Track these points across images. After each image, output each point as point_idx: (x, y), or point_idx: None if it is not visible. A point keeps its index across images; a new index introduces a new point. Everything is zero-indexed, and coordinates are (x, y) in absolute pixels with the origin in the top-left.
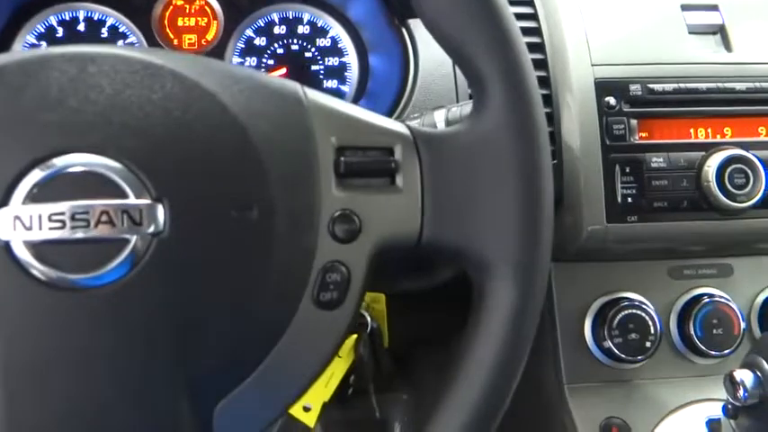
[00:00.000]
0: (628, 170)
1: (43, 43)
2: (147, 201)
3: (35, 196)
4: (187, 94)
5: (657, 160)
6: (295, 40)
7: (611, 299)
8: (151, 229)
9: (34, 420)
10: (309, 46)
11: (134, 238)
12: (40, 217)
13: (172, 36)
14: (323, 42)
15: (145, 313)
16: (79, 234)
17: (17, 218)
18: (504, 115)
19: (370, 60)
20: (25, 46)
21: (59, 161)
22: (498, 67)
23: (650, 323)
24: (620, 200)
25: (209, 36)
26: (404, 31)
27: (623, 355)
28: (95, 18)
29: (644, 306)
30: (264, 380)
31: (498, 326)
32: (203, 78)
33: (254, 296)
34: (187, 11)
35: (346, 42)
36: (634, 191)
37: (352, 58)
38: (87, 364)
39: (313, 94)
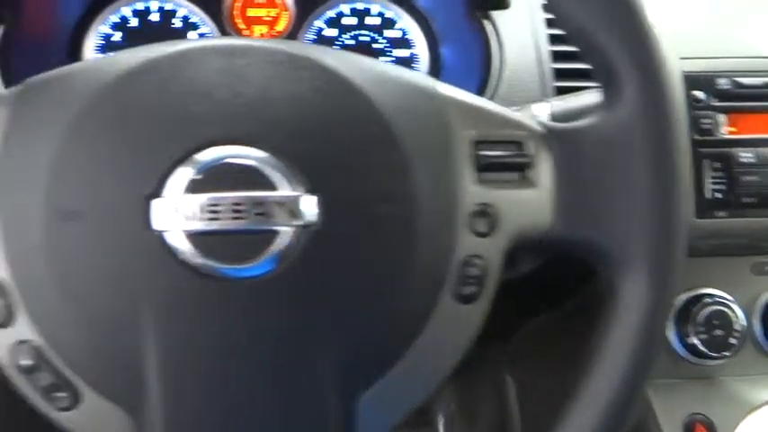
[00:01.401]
0: (716, 165)
1: (118, 33)
2: (299, 193)
3: (189, 187)
4: (333, 87)
5: (747, 155)
6: (364, 32)
7: (694, 295)
8: (303, 222)
9: (188, 402)
10: (379, 37)
11: (286, 230)
12: (195, 207)
13: (243, 26)
14: (392, 34)
15: (293, 304)
16: (235, 225)
17: (172, 208)
18: (640, 108)
19: (442, 52)
20: (99, 35)
21: (211, 153)
22: (634, 58)
23: (735, 319)
24: (708, 195)
25: (280, 27)
26: (486, 23)
27: (708, 352)
28: (168, 8)
29: (728, 302)
30: (405, 371)
31: (634, 323)
32: (349, 72)
33: (398, 289)
34: (257, 1)
35: (415, 34)
36: (723, 186)
37: (421, 49)
38: (236, 352)
39: (445, 88)
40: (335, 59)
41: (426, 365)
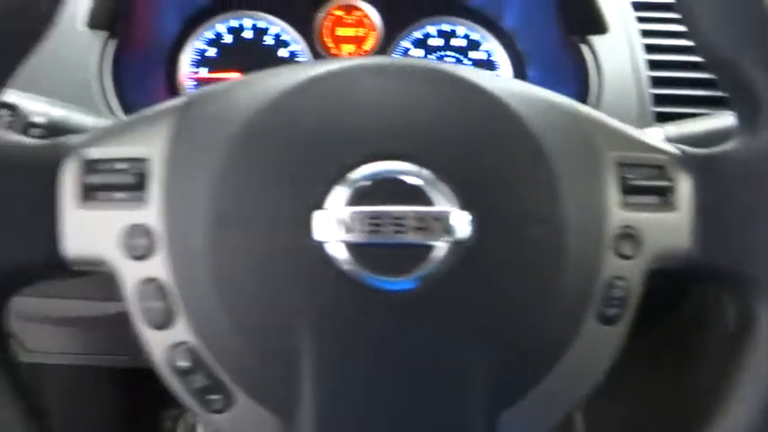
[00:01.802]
0: None
1: (212, 49)
2: (454, 209)
3: (350, 200)
4: (488, 107)
5: None
6: (450, 53)
7: None
8: (457, 238)
9: (340, 411)
10: (464, 59)
11: (442, 246)
12: (357, 220)
13: (331, 45)
14: (477, 55)
15: (445, 318)
16: (396, 238)
17: (335, 220)
18: None
19: (529, 74)
20: (195, 51)
21: (371, 168)
22: None
23: None
24: None
25: (367, 46)
26: (583, 47)
27: None
28: (260, 26)
29: None
30: (546, 392)
31: None
32: (501, 93)
33: (545, 309)
34: (346, 21)
35: (500, 56)
36: None
37: (505, 71)
38: (388, 363)
39: (588, 110)
40: (488, 81)
41: (567, 386)
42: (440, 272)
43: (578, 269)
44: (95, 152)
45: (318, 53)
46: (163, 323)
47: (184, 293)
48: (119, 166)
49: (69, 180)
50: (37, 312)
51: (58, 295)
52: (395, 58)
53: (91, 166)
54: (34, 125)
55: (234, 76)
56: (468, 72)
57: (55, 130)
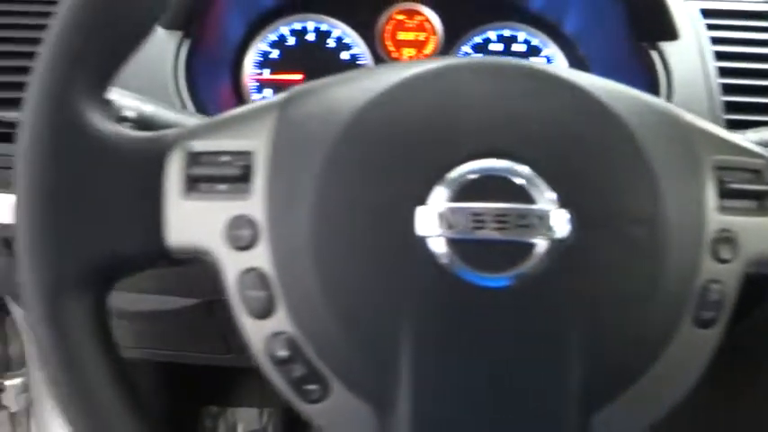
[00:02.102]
0: None
1: (275, 50)
2: (554, 208)
3: (453, 197)
4: (588, 107)
5: None
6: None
7: None
8: (558, 236)
9: (437, 406)
10: None
11: (542, 243)
12: (460, 216)
13: (392, 49)
14: (537, 61)
15: (542, 316)
16: (499, 235)
17: (438, 215)
18: None
19: None
20: (258, 52)
21: (473, 165)
22: None
23: None
24: None
25: (428, 50)
26: (652, 53)
27: None
28: (323, 29)
29: None
30: (641, 394)
31: None
32: (601, 94)
33: (643, 309)
34: (407, 25)
35: (561, 62)
36: None
37: None
38: (487, 360)
39: (683, 112)
40: (587, 81)
41: (660, 390)
42: (539, 270)
43: (676, 271)
44: (200, 145)
45: (379, 57)
46: (263, 312)
47: (286, 284)
48: (223, 158)
49: (174, 172)
50: None
51: None
52: (495, 57)
53: (195, 158)
54: (126, 119)
55: (296, 77)
56: (568, 72)
57: (144, 124)
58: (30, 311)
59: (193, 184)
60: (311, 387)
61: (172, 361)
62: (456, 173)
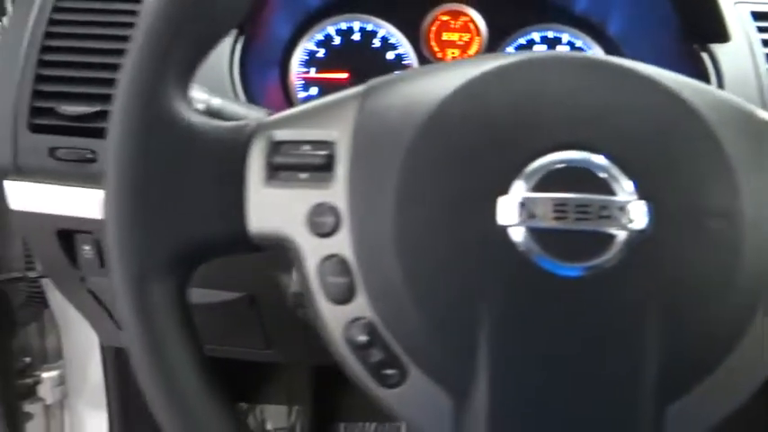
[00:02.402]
0: None
1: (321, 49)
2: (634, 200)
3: (534, 187)
4: (667, 101)
5: None
6: None
7: None
8: (637, 227)
9: (514, 393)
10: None
11: (622, 234)
12: (542, 206)
13: (436, 49)
14: None
15: (619, 307)
16: (580, 225)
17: (520, 205)
18: None
19: None
20: (305, 51)
21: (556, 156)
22: None
23: None
24: None
25: (471, 51)
26: (703, 55)
27: None
28: (369, 29)
29: None
30: (714, 386)
31: None
32: (680, 89)
33: (718, 302)
34: (452, 26)
35: None
36: None
37: None
38: (564, 348)
39: (758, 110)
40: (669, 77)
41: (734, 382)
42: (617, 260)
43: (752, 264)
44: (281, 134)
45: (424, 57)
46: (343, 298)
47: (367, 270)
48: (305, 147)
49: (256, 160)
50: None
51: None
52: (577, 52)
53: (277, 147)
54: (197, 111)
55: (341, 76)
56: (648, 68)
57: (212, 117)
58: (117, 296)
59: (275, 172)
60: (389, 372)
61: (209, 356)
62: (537, 164)
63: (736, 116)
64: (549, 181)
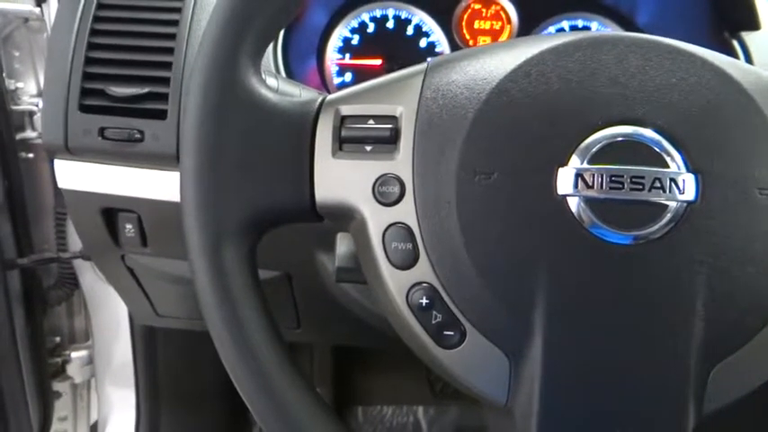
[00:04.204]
0: None
1: (356, 36)
2: (685, 172)
3: (592, 159)
4: (716, 78)
5: None
6: None
7: None
8: (687, 198)
9: (569, 354)
10: None
11: (674, 205)
12: (599, 177)
13: (468, 37)
14: None
15: (669, 273)
16: (636, 196)
17: (578, 176)
18: None
19: None
20: (340, 38)
21: (611, 131)
22: None
23: None
24: None
25: (502, 39)
26: (734, 44)
27: None
28: (403, 17)
29: None
30: (754, 351)
31: None
32: (727, 67)
33: (762, 270)
34: (484, 14)
35: None
36: None
37: None
38: (618, 311)
39: None
40: (716, 57)
41: None
42: (668, 229)
43: None
44: (348, 109)
45: (457, 45)
46: (407, 264)
47: (429, 237)
48: (371, 121)
49: (325, 133)
50: (165, 274)
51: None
52: (629, 33)
53: (344, 121)
54: (268, 87)
55: (375, 63)
56: (698, 49)
57: None
58: (193, 261)
59: (344, 144)
60: (448, 333)
61: None
62: (594, 137)
63: None
64: (604, 154)
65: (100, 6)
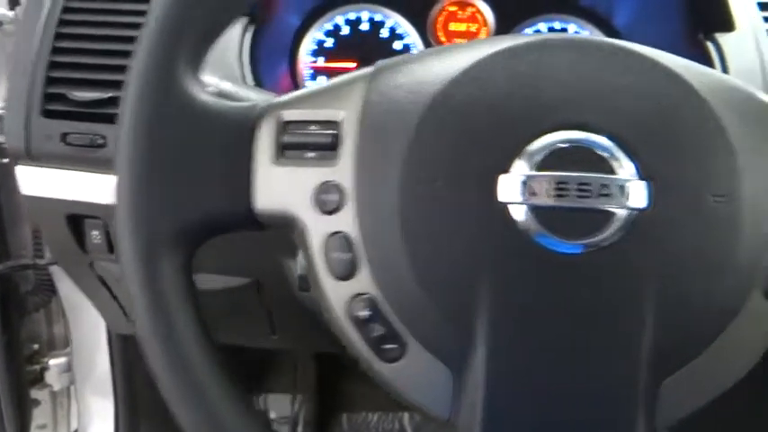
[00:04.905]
0: None
1: (330, 39)
2: (634, 179)
3: (535, 166)
4: (667, 81)
5: None
6: None
7: None
8: (637, 205)
9: (512, 367)
10: None
11: (621, 212)
12: (543, 184)
13: (444, 39)
14: None
15: (617, 283)
16: (581, 203)
17: (522, 183)
18: None
19: None
20: (314, 40)
21: (558, 136)
22: None
23: None
24: None
25: None
26: (709, 45)
27: None
28: (377, 19)
29: None
30: (708, 363)
31: None
32: (680, 71)
33: (716, 279)
34: (459, 16)
35: None
36: None
37: None
38: (561, 323)
39: (759, 92)
40: (668, 59)
41: (727, 360)
42: (617, 238)
43: (750, 245)
44: (290, 114)
45: (432, 47)
46: (346, 274)
47: (370, 246)
48: (312, 128)
49: (265, 139)
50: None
51: None
52: (579, 35)
53: (285, 127)
54: (207, 92)
55: (349, 66)
56: (651, 51)
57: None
58: (126, 272)
59: (283, 151)
60: (389, 346)
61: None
62: (540, 143)
63: (736, 98)
64: (550, 160)
65: (65, 10)
